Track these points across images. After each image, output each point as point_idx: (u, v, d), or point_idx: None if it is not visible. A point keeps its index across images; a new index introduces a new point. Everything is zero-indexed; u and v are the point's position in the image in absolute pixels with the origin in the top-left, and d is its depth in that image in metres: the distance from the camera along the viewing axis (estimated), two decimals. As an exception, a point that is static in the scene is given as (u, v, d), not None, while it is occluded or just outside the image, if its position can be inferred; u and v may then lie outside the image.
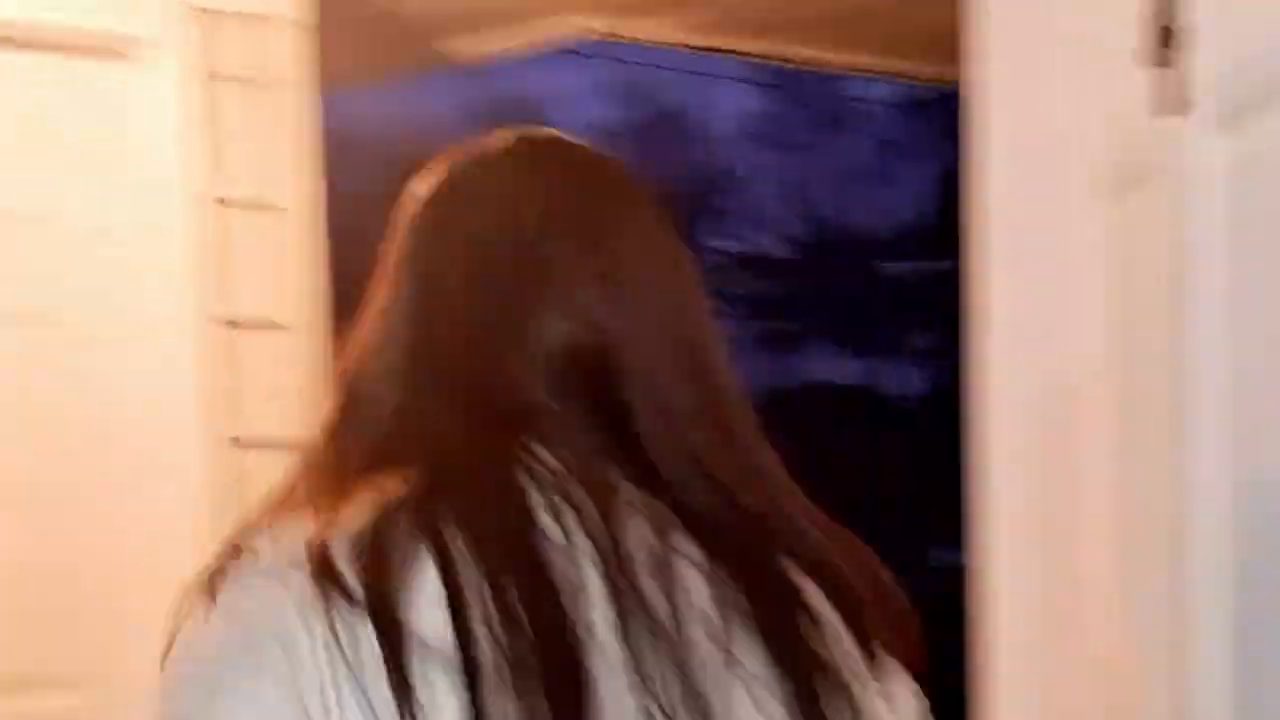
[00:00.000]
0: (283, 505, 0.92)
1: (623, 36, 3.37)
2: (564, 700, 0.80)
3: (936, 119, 18.36)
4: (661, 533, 0.89)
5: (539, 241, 0.94)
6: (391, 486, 0.86)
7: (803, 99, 18.79)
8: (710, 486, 0.93)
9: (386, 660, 0.79)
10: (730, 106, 20.36)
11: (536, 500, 0.87)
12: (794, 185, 19.48)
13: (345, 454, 0.93)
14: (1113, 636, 1.20)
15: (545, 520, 0.86)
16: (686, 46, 3.49)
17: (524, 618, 0.81)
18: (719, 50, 3.60)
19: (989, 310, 1.35)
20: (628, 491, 0.90)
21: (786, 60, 3.76)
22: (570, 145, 1.04)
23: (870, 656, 0.95)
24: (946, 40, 3.63)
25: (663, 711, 0.83)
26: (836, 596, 0.95)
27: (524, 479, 0.87)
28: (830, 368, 20.51)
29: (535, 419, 0.90)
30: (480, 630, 0.80)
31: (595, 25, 3.16)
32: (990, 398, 1.38)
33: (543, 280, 0.92)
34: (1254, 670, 0.89)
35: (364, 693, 0.78)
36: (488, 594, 0.81)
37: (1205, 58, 0.81)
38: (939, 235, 17.60)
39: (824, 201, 19.27)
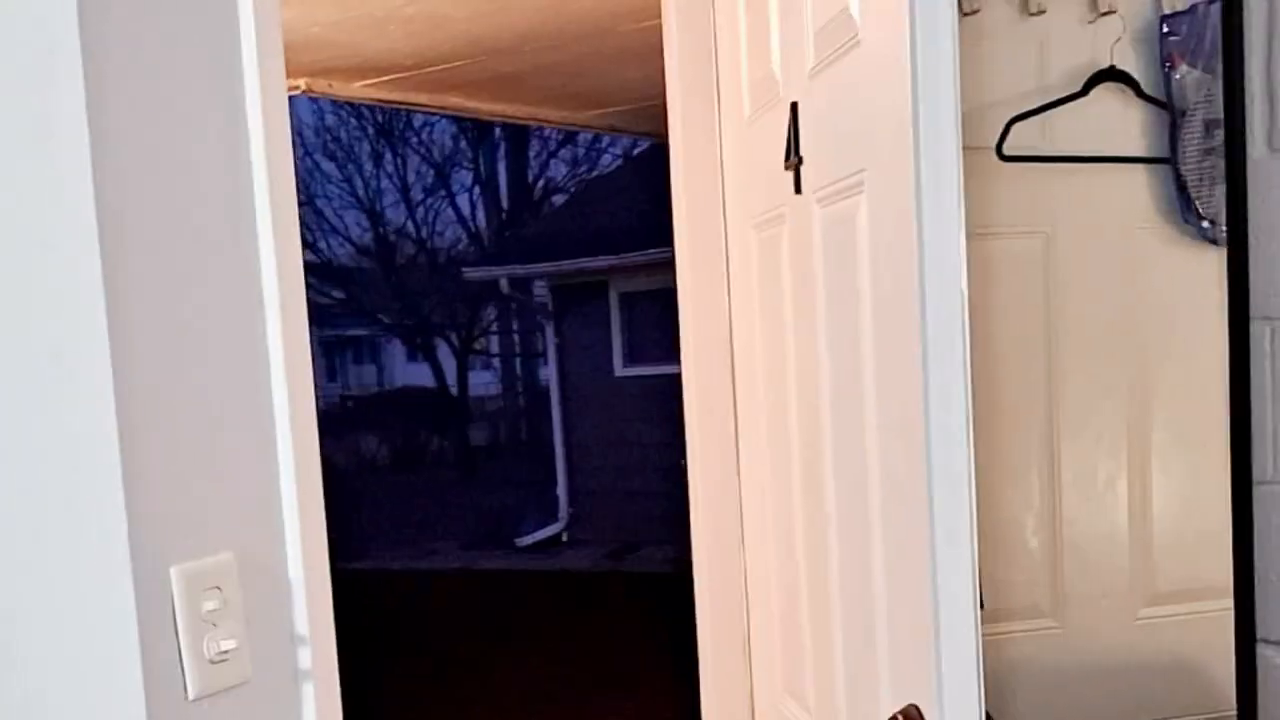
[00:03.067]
0: None
1: (315, 93, 4.17)
2: None
3: (484, 137, 19.60)
4: None
5: None
6: None
7: (362, 112, 19.50)
8: None
9: None
10: (294, 120, 20.63)
11: None
12: (362, 196, 20.12)
13: None
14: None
15: None
16: (377, 101, 4.33)
17: None
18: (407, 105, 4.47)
19: (686, 300, 2.35)
20: None
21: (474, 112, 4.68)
22: None
23: None
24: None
25: None
26: None
27: None
28: (406, 372, 21.33)
29: None
30: None
31: (300, 86, 3.95)
32: (687, 340, 2.38)
33: None
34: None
35: None
36: None
37: (809, 171, 1.82)
38: (506, 242, 18.78)
39: (393, 211, 20.02)
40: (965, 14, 2.46)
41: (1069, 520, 2.53)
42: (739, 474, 2.30)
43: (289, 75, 4.13)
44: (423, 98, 4.37)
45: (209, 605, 1.35)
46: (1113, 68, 2.51)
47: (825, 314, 1.75)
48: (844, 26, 1.61)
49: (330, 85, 4.06)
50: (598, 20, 3.76)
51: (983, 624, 1.44)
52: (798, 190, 1.84)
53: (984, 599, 1.49)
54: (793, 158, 1.85)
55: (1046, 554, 2.52)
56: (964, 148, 1.82)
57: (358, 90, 4.17)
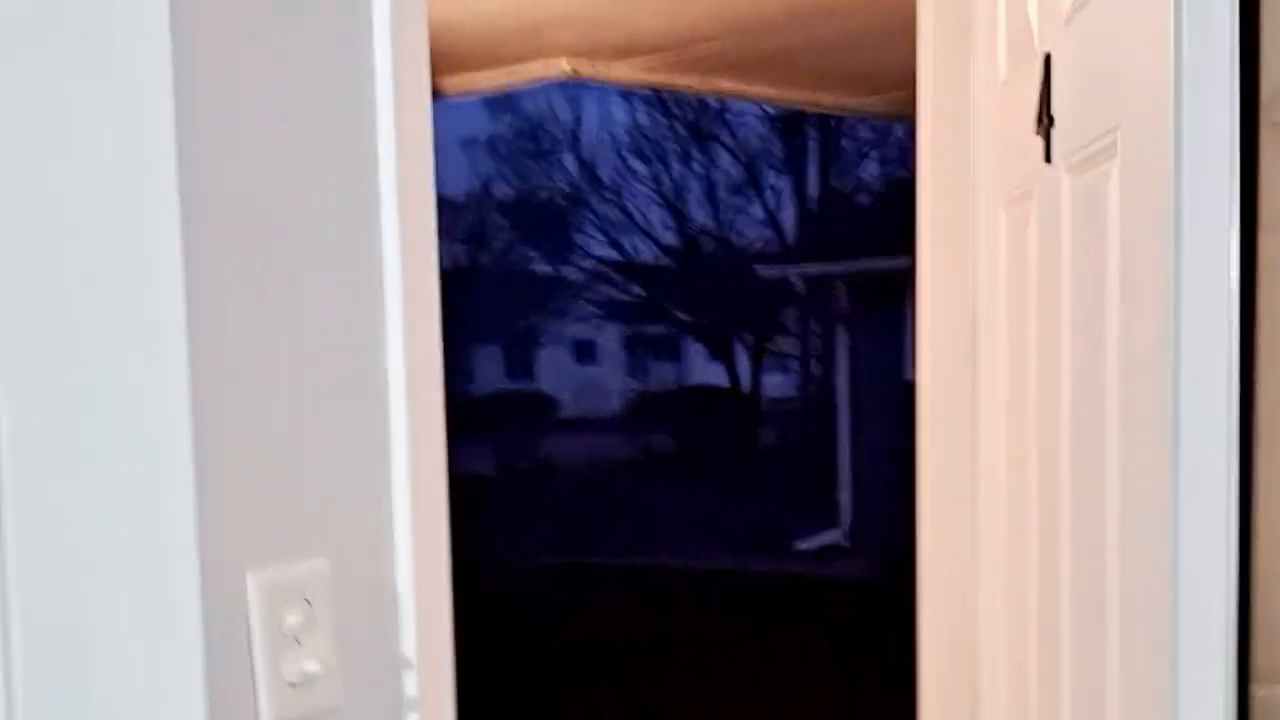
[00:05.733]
0: None
1: (582, 75, 4.02)
2: None
3: (796, 135, 19.32)
4: None
5: None
6: None
7: (673, 111, 19.58)
8: None
9: None
10: (608, 119, 21.02)
11: None
12: (669, 194, 20.24)
13: None
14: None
15: None
16: (643, 85, 4.16)
17: None
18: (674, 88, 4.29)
19: (925, 278, 2.05)
20: None
21: (737, 95, 4.47)
22: None
23: None
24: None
25: None
26: None
27: None
28: (704, 370, 21.32)
29: None
30: None
31: (564, 67, 3.81)
32: (924, 329, 2.07)
33: None
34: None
35: None
36: None
37: (1060, 135, 1.50)
38: (808, 242, 18.54)
39: (697, 209, 20.07)
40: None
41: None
42: (974, 493, 1.98)
43: (551, 54, 3.96)
44: (691, 80, 4.17)
45: (292, 619, 1.17)
46: None
47: (1070, 309, 1.44)
48: (1103, -48, 1.30)
49: (594, 66, 3.91)
50: (874, -8, 3.46)
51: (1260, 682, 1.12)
52: (1047, 158, 1.52)
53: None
54: (1044, 120, 1.53)
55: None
56: (1273, 123, 1.48)
57: (622, 72, 4.01)
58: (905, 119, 6.22)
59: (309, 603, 1.19)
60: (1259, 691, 1.16)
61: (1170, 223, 1.08)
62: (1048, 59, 1.51)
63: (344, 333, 1.24)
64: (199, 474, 1.07)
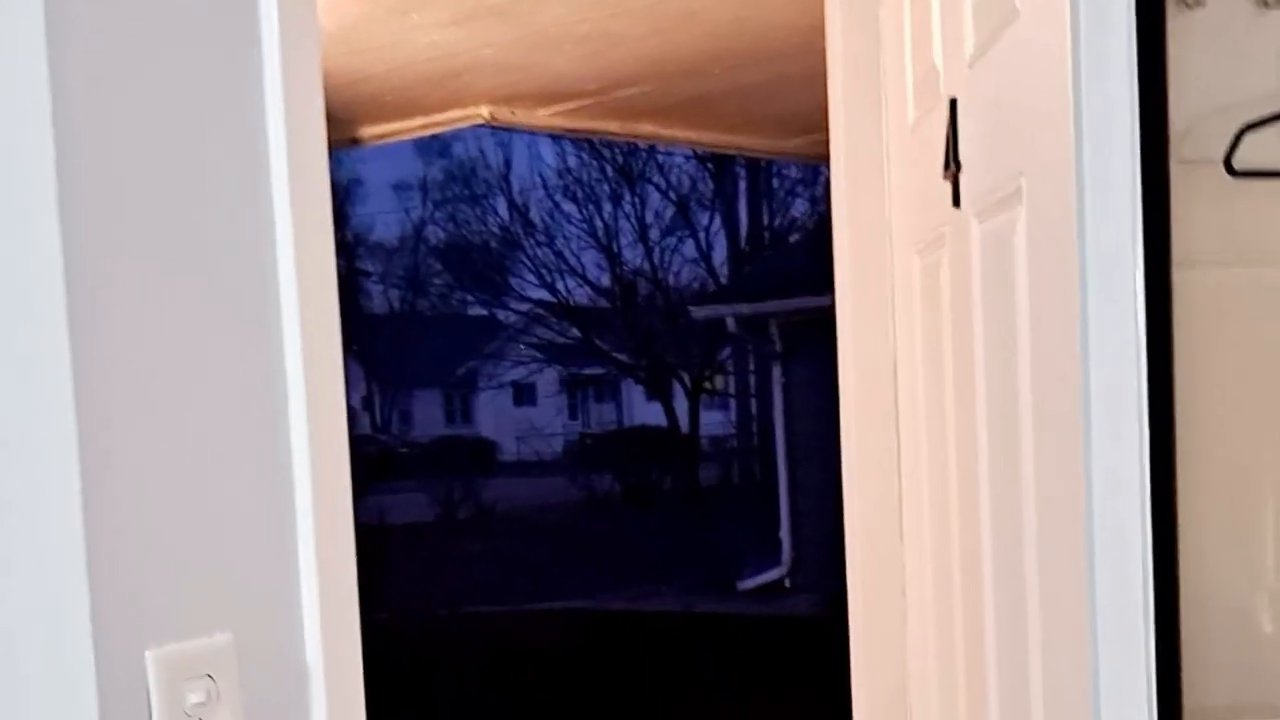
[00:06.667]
0: None
1: (500, 122, 4.01)
2: None
3: (726, 175, 19.45)
4: None
5: None
6: None
7: (603, 153, 19.62)
8: None
9: None
10: (538, 161, 21.02)
11: None
12: (601, 236, 20.26)
13: None
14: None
15: None
16: (566, 131, 4.16)
17: None
18: (586, 132, 4.29)
19: (845, 325, 2.05)
20: None
21: (650, 138, 4.48)
22: None
23: None
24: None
25: None
26: None
27: None
28: (642, 411, 21.32)
29: None
30: None
31: (483, 114, 3.80)
32: (847, 376, 2.07)
33: None
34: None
35: None
36: None
37: (967, 180, 1.51)
38: (741, 281, 18.61)
39: (630, 251, 20.09)
40: (1189, 6, 2.13)
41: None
42: (901, 531, 1.98)
43: (471, 101, 3.92)
44: (613, 125, 4.17)
45: (194, 698, 1.13)
46: (1373, 64, 2.09)
47: (983, 354, 1.43)
48: (1002, -3, 1.30)
49: (514, 113, 3.89)
50: (795, 37, 3.47)
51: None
52: (956, 203, 1.53)
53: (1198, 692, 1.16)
54: (952, 165, 1.53)
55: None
56: (1183, 160, 1.51)
57: (544, 119, 4.00)
58: (828, 161, 6.29)
59: (212, 679, 1.15)
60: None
61: (1075, 270, 1.08)
62: (953, 103, 1.52)
63: (244, 394, 1.20)
64: (91, 549, 1.03)
